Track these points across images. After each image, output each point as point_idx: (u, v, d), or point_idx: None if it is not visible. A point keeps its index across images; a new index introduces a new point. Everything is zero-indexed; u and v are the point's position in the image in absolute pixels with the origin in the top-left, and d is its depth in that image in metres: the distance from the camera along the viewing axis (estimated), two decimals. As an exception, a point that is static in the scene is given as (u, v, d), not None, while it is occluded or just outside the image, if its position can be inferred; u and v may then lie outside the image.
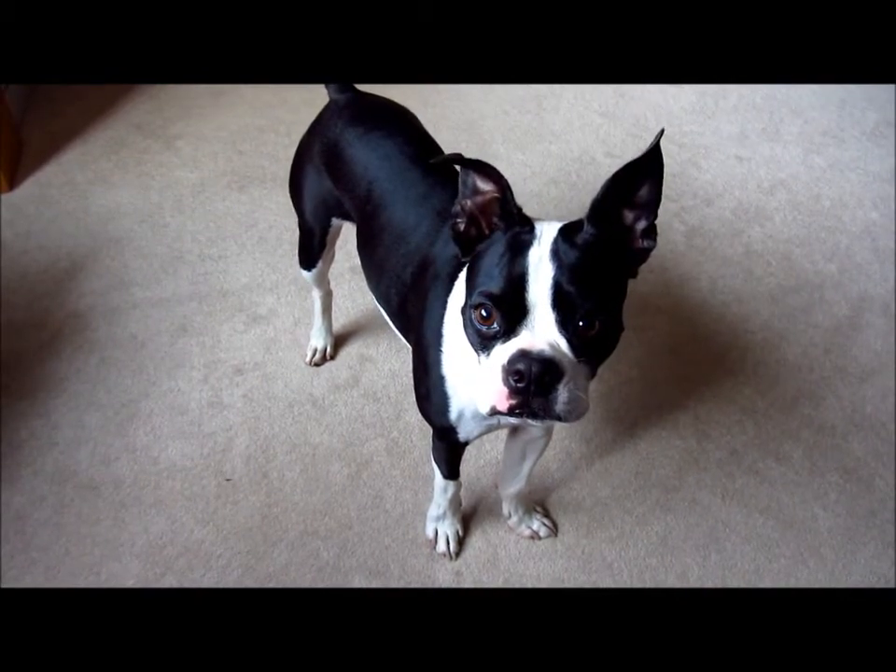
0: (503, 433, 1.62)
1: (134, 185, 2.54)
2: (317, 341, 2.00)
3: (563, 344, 0.98)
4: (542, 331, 0.98)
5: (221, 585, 1.58)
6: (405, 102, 1.64)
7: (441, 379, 1.25)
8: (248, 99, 2.93)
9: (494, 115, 2.91)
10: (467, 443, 1.39)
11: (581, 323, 0.98)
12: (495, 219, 1.06)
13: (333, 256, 1.82)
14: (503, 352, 0.99)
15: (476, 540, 1.68)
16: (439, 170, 1.36)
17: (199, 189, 2.53)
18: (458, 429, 1.31)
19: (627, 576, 1.63)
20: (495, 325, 1.01)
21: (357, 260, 1.60)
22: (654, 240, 1.07)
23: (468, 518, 1.71)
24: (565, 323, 0.98)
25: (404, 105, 1.63)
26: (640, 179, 1.02)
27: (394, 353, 2.04)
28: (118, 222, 2.40)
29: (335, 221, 1.65)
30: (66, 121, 2.77)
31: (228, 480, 1.76)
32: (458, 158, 1.04)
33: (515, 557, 1.65)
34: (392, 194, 1.42)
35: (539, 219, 1.06)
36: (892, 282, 2.30)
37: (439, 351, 1.25)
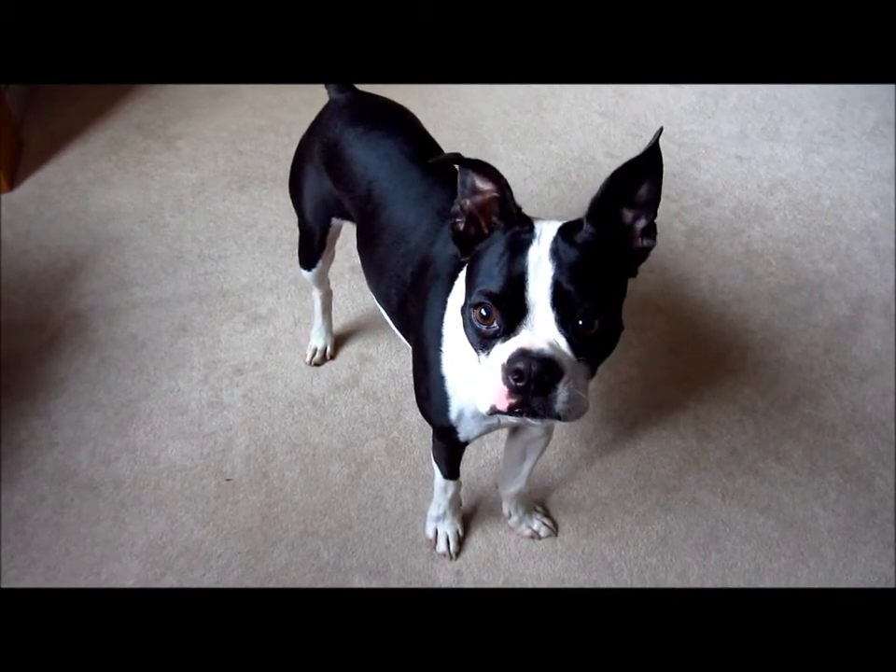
0: (503, 433, 1.62)
1: (134, 185, 2.54)
2: (317, 341, 2.00)
3: (562, 343, 0.98)
4: (542, 330, 0.98)
5: (221, 585, 1.58)
6: (405, 102, 1.64)
7: (441, 379, 1.25)
8: (248, 99, 2.93)
9: (494, 115, 2.91)
10: (467, 443, 1.39)
11: (580, 322, 0.98)
12: (494, 219, 1.06)
13: (333, 256, 1.82)
14: (503, 351, 0.99)
15: (476, 540, 1.68)
16: (438, 169, 1.36)
17: (199, 189, 2.53)
18: (458, 429, 1.31)
19: (627, 575, 1.63)
20: (494, 324, 1.01)
21: (357, 260, 1.60)
22: (654, 239, 1.07)
23: (468, 518, 1.71)
24: (564, 322, 0.98)
25: (404, 105, 1.63)
26: (640, 178, 1.02)
27: (394, 353, 2.04)
28: (118, 222, 2.40)
29: (335, 221, 1.65)
30: (66, 121, 2.78)
31: (228, 480, 1.76)
32: (457, 157, 1.04)
33: (515, 557, 1.65)
34: (392, 194, 1.42)
35: (538, 219, 1.06)
36: (892, 282, 2.30)
37: (439, 351, 1.24)
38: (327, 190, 1.58)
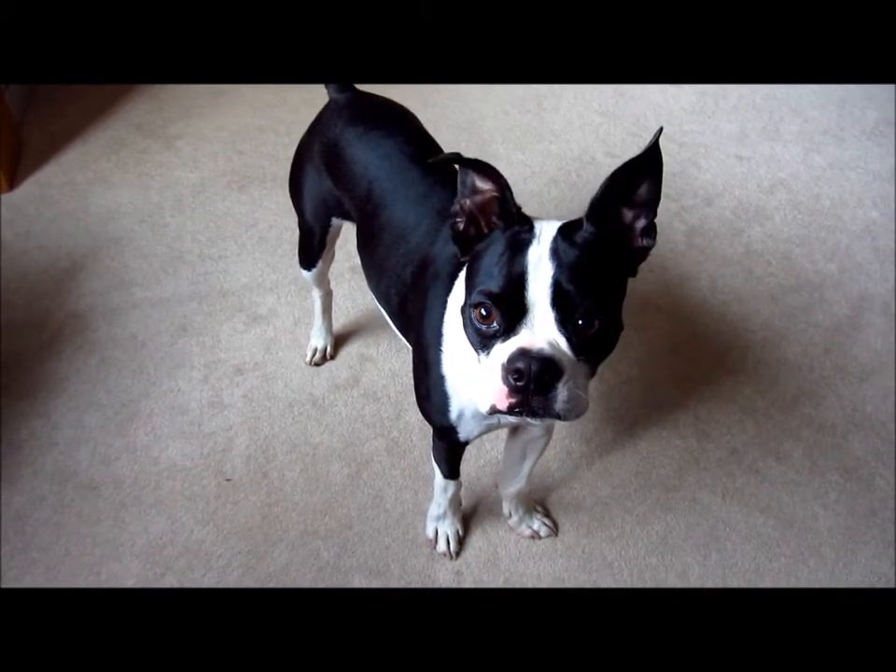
0: (503, 433, 1.62)
1: (134, 185, 2.54)
2: (317, 340, 2.00)
3: (562, 343, 0.98)
4: (542, 330, 0.98)
5: (221, 585, 1.58)
6: (405, 102, 1.64)
7: (441, 378, 1.25)
8: (248, 99, 2.93)
9: (494, 115, 2.91)
10: (467, 443, 1.39)
11: (580, 322, 0.98)
12: (494, 219, 1.06)
13: (333, 256, 1.82)
14: (503, 351, 0.99)
15: (476, 540, 1.68)
16: (438, 169, 1.36)
17: (199, 189, 2.53)
18: (458, 429, 1.31)
19: (628, 575, 1.63)
20: (494, 324, 1.01)
21: (357, 260, 1.60)
22: (654, 238, 1.07)
23: (468, 518, 1.71)
24: (564, 322, 0.98)
25: (404, 105, 1.63)
26: (639, 177, 1.02)
27: (394, 353, 2.04)
28: (118, 222, 2.40)
29: (335, 221, 1.65)
30: (66, 121, 2.78)
31: (228, 480, 1.76)
32: (457, 157, 1.04)
33: (515, 557, 1.65)
34: (392, 193, 1.42)
35: (538, 218, 1.06)
36: (892, 281, 2.30)
37: (439, 350, 1.24)
38: (327, 190, 1.58)
